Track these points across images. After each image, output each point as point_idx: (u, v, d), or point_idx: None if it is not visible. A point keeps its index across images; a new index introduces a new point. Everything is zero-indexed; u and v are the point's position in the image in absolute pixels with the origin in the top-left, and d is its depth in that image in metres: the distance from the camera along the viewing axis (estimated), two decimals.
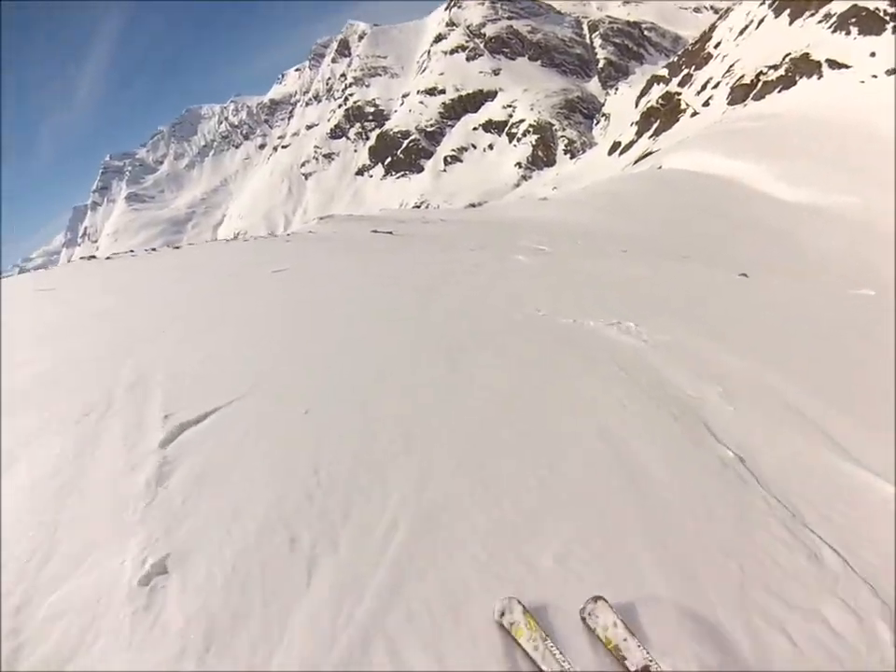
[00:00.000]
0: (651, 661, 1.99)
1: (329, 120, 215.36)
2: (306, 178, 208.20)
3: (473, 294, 7.81)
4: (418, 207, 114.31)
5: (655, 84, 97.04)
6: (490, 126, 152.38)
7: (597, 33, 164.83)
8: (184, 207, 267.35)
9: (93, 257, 15.35)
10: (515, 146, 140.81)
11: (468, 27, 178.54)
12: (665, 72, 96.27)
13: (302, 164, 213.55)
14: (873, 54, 46.41)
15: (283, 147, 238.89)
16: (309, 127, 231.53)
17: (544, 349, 5.38)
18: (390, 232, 15.97)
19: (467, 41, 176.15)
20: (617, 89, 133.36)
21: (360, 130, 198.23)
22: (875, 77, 43.76)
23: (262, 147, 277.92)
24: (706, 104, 67.31)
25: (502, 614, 2.26)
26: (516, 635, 2.19)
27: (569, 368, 4.89)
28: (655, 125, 79.63)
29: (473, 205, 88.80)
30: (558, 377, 4.67)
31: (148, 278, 11.40)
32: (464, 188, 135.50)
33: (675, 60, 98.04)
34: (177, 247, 16.98)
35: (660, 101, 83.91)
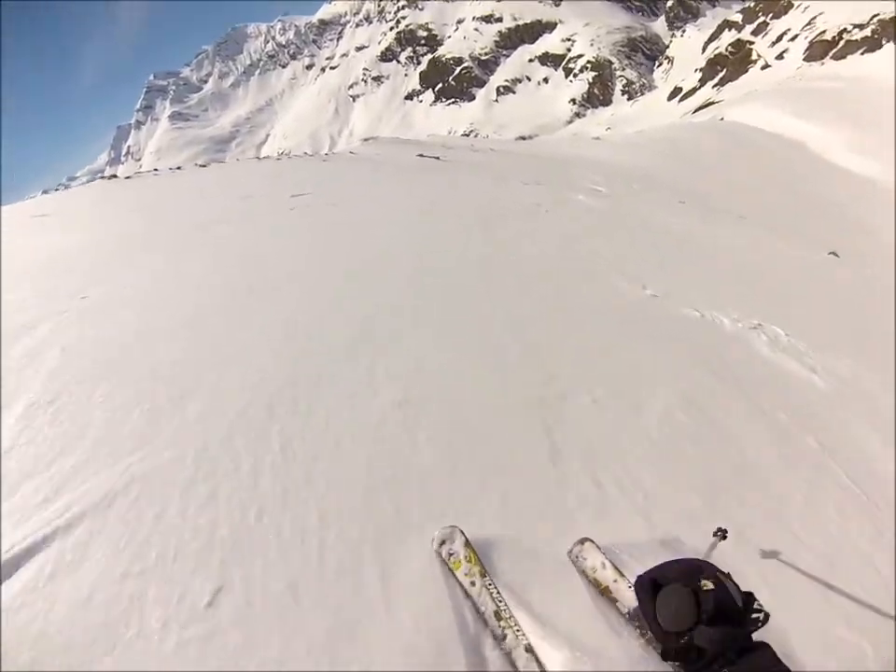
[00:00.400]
0: None
1: (379, 43, 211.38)
2: (354, 100, 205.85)
3: (544, 250, 6.43)
4: (467, 136, 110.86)
5: (726, 30, 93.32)
6: (546, 59, 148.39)
7: None
8: (228, 126, 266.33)
9: (114, 176, 15.26)
10: (571, 81, 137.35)
11: None
12: (738, 17, 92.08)
13: (350, 86, 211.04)
14: None
15: (331, 68, 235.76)
16: (359, 49, 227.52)
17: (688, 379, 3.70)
18: (437, 157, 15.34)
19: None
20: (684, 31, 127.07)
21: (412, 54, 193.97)
22: None
23: (310, 67, 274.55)
24: (779, 57, 64.60)
25: (442, 543, 2.21)
26: (453, 567, 2.14)
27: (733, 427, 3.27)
28: (721, 74, 77.14)
29: (524, 138, 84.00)
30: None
31: (152, 202, 10.54)
32: (515, 119, 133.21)
33: (751, 5, 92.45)
34: (203, 165, 16.34)
35: (729, 48, 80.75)
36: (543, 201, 9.47)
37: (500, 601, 1.99)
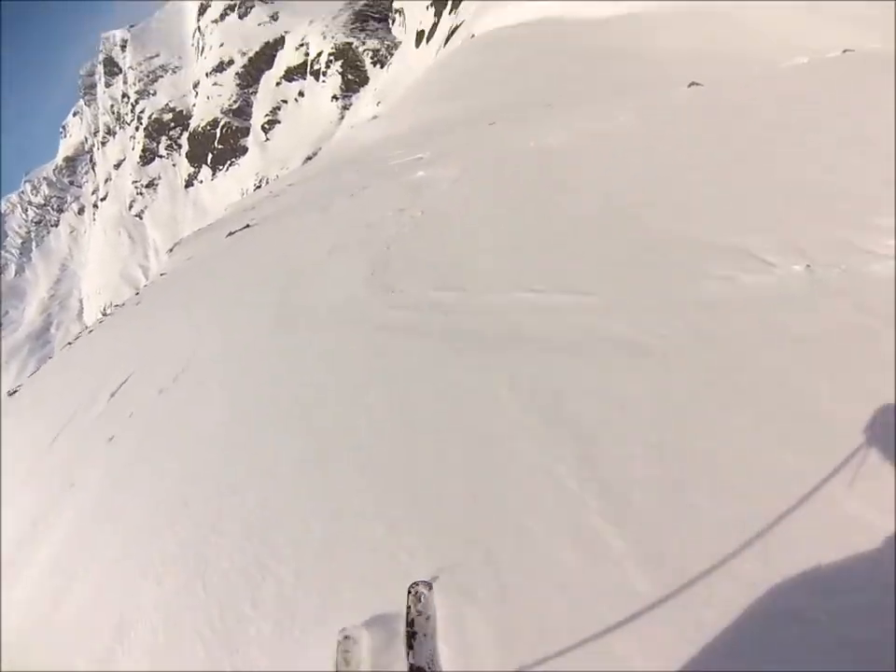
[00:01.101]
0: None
1: (133, 149, 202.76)
2: (140, 218, 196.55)
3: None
4: (259, 188, 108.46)
5: None
6: (292, 74, 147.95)
7: None
8: (37, 316, 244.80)
9: None
10: (324, 81, 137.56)
11: None
12: None
13: (130, 206, 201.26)
14: None
15: (101, 199, 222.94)
16: (117, 166, 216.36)
17: None
18: (247, 225, 14.44)
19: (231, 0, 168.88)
20: None
21: (169, 141, 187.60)
22: None
23: (81, 211, 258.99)
24: None
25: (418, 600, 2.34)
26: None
27: None
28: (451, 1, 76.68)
29: (309, 158, 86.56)
30: None
31: None
32: (293, 147, 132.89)
33: None
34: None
35: None
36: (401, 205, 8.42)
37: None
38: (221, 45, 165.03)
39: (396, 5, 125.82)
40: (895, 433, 2.26)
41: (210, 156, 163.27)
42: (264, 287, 8.08)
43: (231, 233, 14.99)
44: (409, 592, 2.34)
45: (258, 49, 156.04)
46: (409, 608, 2.29)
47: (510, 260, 4.87)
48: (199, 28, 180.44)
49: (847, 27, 17.14)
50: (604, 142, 7.10)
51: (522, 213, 5.84)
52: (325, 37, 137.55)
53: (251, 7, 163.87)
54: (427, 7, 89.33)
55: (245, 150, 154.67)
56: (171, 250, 24.30)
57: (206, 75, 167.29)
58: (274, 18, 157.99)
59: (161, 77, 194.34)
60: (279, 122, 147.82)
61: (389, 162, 13.01)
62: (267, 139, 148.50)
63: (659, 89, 9.60)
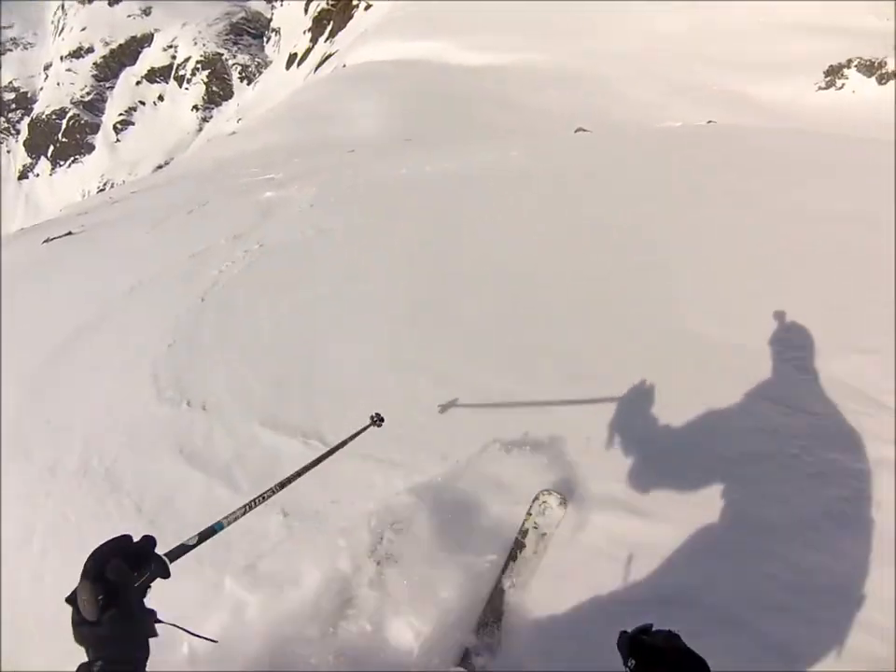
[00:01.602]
0: None
1: None
2: None
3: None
4: (102, 191, 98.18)
5: None
6: (155, 75, 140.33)
7: None
8: None
9: None
10: (187, 89, 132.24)
11: None
12: None
13: None
14: None
15: None
16: None
17: None
18: (69, 233, 12.53)
19: None
20: (282, 1, 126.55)
21: (7, 124, 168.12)
22: None
23: None
24: None
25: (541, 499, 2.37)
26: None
27: None
28: (329, 27, 78.22)
29: (161, 167, 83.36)
30: None
31: None
32: (146, 152, 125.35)
33: None
34: None
35: (331, 2, 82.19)
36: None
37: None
38: (83, 29, 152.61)
39: (274, 24, 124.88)
40: None
41: (52, 148, 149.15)
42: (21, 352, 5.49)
43: (48, 240, 13.00)
44: (535, 498, 2.33)
45: (122, 42, 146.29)
46: (529, 515, 2.26)
47: (376, 352, 3.89)
48: (62, 6, 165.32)
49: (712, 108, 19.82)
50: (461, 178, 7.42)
51: (379, 252, 5.44)
52: (196, 43, 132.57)
53: None
54: (305, 32, 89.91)
55: (91, 148, 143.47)
56: None
57: (61, 58, 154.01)
58: (147, 13, 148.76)
59: (11, 51, 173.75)
60: (133, 124, 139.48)
61: (239, 180, 12.38)
62: (118, 140, 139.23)
63: (540, 133, 9.96)
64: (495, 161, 7.88)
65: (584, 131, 9.00)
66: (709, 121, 10.13)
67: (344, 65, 37.28)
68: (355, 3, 72.72)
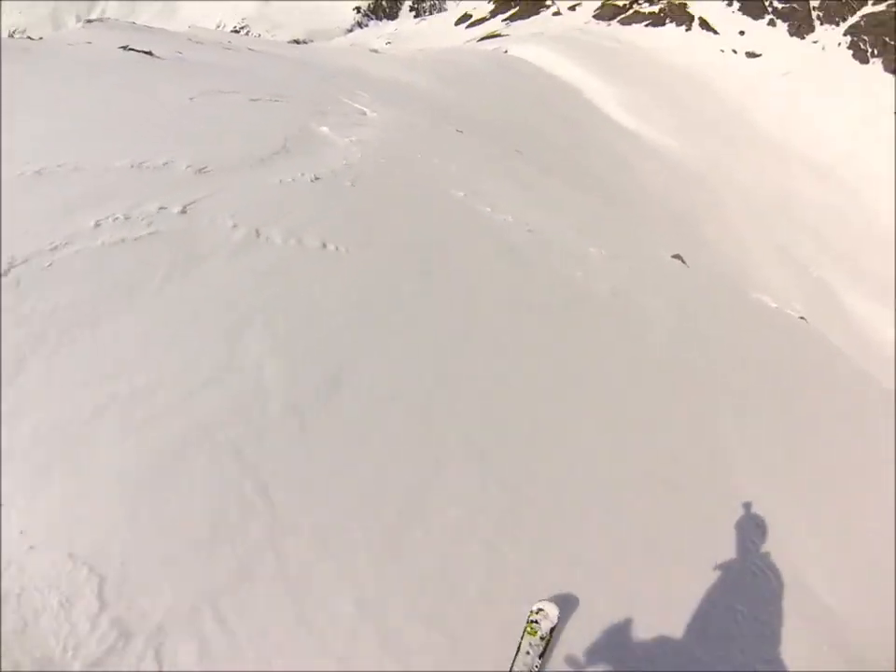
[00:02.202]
0: None
1: None
2: None
3: None
4: (237, 32, 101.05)
5: None
6: None
7: None
8: None
9: None
10: None
11: None
12: None
13: None
14: (742, 33, 49.76)
15: None
16: None
17: None
18: (149, 52, 11.67)
19: None
20: None
21: None
22: (734, 52, 47.52)
23: None
24: (572, 8, 65.63)
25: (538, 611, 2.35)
26: (528, 631, 2.28)
27: None
28: (513, 10, 76.23)
29: (297, 42, 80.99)
30: None
31: None
32: (292, 20, 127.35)
33: None
34: None
35: None
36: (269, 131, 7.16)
37: None
38: None
39: None
40: None
41: None
42: None
43: (128, 48, 12.37)
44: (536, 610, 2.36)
45: None
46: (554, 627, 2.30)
47: None
48: None
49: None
50: None
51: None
52: None
53: None
54: (489, 1, 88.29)
55: None
56: (90, 21, 20.37)
57: None
58: None
59: None
60: None
61: (338, 96, 11.86)
62: None
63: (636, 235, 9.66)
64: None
65: (680, 260, 8.25)
66: (801, 317, 9.11)
67: (506, 51, 36.87)
68: (547, 2, 71.33)
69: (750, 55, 46.72)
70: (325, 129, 7.75)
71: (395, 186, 6.45)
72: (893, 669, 1.93)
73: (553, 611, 2.31)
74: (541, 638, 2.24)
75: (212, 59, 13.72)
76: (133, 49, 11.76)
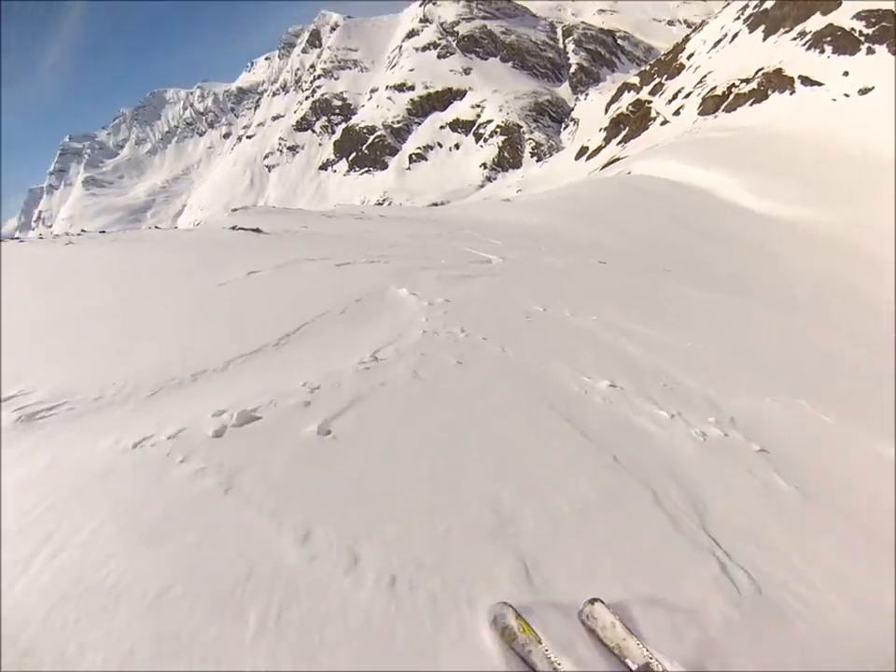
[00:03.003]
0: (650, 659, 1.98)
1: (295, 112, 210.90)
2: (269, 170, 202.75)
3: None
4: (380, 205, 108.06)
5: (626, 91, 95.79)
6: (457, 125, 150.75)
7: (571, 38, 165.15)
8: (143, 195, 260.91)
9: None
10: (482, 146, 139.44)
11: (441, 24, 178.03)
12: (636, 80, 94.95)
13: (266, 156, 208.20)
14: (846, 73, 47.80)
15: (248, 137, 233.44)
16: (275, 118, 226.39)
17: None
18: (257, 230, 12.33)
19: (439, 38, 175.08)
20: (587, 94, 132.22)
21: (327, 123, 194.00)
22: (846, 95, 45.36)
23: (227, 136, 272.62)
24: (676, 113, 66.61)
25: (494, 621, 2.19)
26: (509, 640, 2.13)
27: None
28: (624, 132, 78.43)
29: (435, 204, 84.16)
30: None
31: None
32: (428, 186, 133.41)
33: (647, 69, 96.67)
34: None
35: (630, 108, 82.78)
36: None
37: (558, 663, 2.03)
38: (411, 70, 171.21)
39: (574, 114, 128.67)
40: None
41: (353, 154, 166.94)
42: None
43: (235, 227, 13.19)
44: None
45: (439, 90, 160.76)
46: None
47: None
48: (400, 47, 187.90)
49: None
50: None
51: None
52: (500, 110, 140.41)
53: (451, 53, 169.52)
54: (600, 130, 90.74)
55: (385, 166, 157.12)
56: (235, 210, 22.68)
57: (386, 87, 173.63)
58: (466, 72, 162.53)
59: (350, 69, 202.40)
60: (426, 160, 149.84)
61: (462, 245, 11.67)
62: (408, 168, 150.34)
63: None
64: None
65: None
66: None
67: (629, 172, 37.20)
68: (653, 115, 72.40)
69: (863, 91, 44.38)
70: (403, 290, 6.76)
71: (460, 382, 4.25)
72: (893, 669, 1.97)
73: (506, 611, 2.13)
74: (521, 630, 2.08)
75: (327, 229, 14.04)
76: (241, 228, 12.58)
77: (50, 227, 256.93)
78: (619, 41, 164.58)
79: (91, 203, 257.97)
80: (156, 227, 15.77)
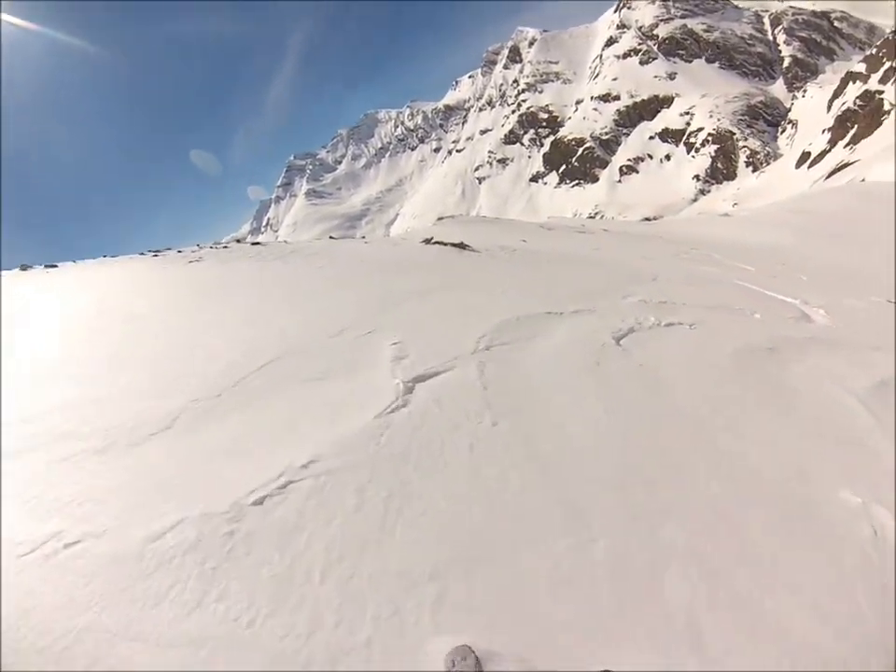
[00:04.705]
0: None
1: (502, 126, 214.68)
2: (480, 182, 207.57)
3: None
4: (592, 218, 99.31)
5: (851, 83, 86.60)
6: (667, 135, 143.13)
7: (780, 27, 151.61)
8: (359, 204, 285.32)
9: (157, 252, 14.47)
10: (693, 156, 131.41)
11: (639, 29, 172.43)
12: (862, 67, 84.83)
13: (476, 168, 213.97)
14: None
15: (457, 150, 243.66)
16: (483, 132, 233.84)
17: None
18: (461, 245, 11.10)
19: (639, 44, 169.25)
20: (805, 91, 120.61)
21: (534, 136, 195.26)
22: None
23: (437, 150, 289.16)
24: None
25: (453, 664, 2.18)
26: None
27: None
28: (852, 132, 71.11)
29: (648, 219, 72.47)
30: None
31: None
32: (639, 200, 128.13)
33: (873, 52, 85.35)
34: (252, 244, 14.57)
35: (857, 102, 75.10)
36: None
37: None
38: (615, 79, 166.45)
39: (792, 115, 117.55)
40: None
41: (563, 167, 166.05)
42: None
43: (430, 242, 12.25)
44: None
45: (645, 98, 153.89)
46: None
47: None
48: (601, 56, 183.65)
49: None
50: None
51: None
52: (711, 116, 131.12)
53: (653, 58, 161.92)
54: (824, 131, 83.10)
55: (595, 179, 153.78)
56: (441, 219, 22.21)
57: (591, 98, 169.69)
58: (671, 77, 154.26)
59: (552, 81, 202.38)
60: (637, 172, 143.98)
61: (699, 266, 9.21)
62: (619, 181, 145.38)
63: None
64: None
65: None
66: None
67: (863, 179, 32.30)
68: (886, 108, 63.96)
69: None
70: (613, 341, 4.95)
71: None
72: (893, 669, 1.89)
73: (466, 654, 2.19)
74: None
75: (552, 246, 13.09)
76: (438, 243, 11.53)
77: (277, 231, 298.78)
78: (835, 23, 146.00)
79: (311, 211, 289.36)
80: (365, 237, 13.13)
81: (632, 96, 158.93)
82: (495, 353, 5.19)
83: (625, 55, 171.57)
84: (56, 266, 13.99)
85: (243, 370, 5.16)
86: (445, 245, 11.30)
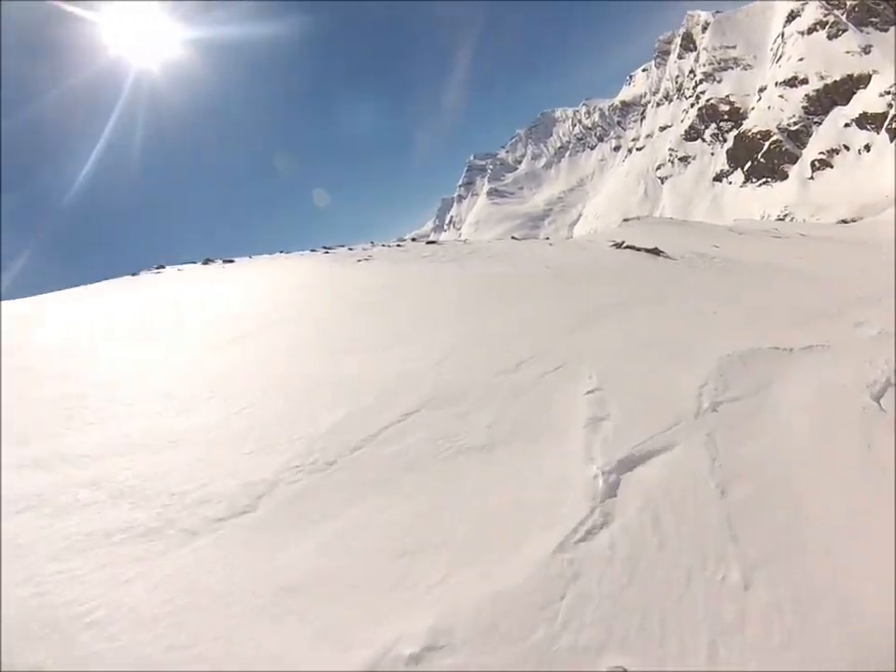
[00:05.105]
0: None
1: (682, 122, 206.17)
2: (662, 182, 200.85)
3: None
4: (780, 220, 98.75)
5: None
6: (865, 120, 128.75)
7: None
8: (542, 204, 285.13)
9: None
10: None
11: None
12: None
13: (658, 167, 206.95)
14: None
15: (637, 149, 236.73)
16: (662, 128, 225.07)
17: None
18: (656, 251, 10.49)
19: (825, 15, 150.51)
20: None
21: (716, 131, 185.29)
22: None
23: (617, 148, 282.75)
24: None
25: None
26: None
27: None
28: None
29: (844, 221, 70.55)
30: None
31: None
32: (835, 199, 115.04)
33: None
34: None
35: None
36: None
37: None
38: (801, 59, 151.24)
39: None
40: None
41: (749, 164, 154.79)
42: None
43: (618, 244, 11.74)
44: None
45: (837, 79, 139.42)
46: None
47: None
48: (782, 34, 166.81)
49: None
50: None
51: None
52: None
53: (843, 31, 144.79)
54: None
55: (784, 176, 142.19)
56: (627, 220, 21.43)
57: (775, 84, 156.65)
58: (866, 51, 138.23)
59: (731, 68, 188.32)
60: (831, 167, 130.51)
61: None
62: (811, 178, 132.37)
63: None
64: None
65: None
66: None
67: None
68: None
69: None
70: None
71: None
72: (893, 669, 1.89)
73: None
74: None
75: (749, 256, 12.47)
76: (629, 247, 11.00)
77: (459, 230, 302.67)
78: None
79: (494, 210, 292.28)
80: (549, 238, 13.03)
81: (822, 78, 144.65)
82: (725, 417, 4.10)
83: (810, 30, 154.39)
84: (233, 261, 14.01)
85: (372, 423, 4.08)
86: (638, 250, 10.36)
